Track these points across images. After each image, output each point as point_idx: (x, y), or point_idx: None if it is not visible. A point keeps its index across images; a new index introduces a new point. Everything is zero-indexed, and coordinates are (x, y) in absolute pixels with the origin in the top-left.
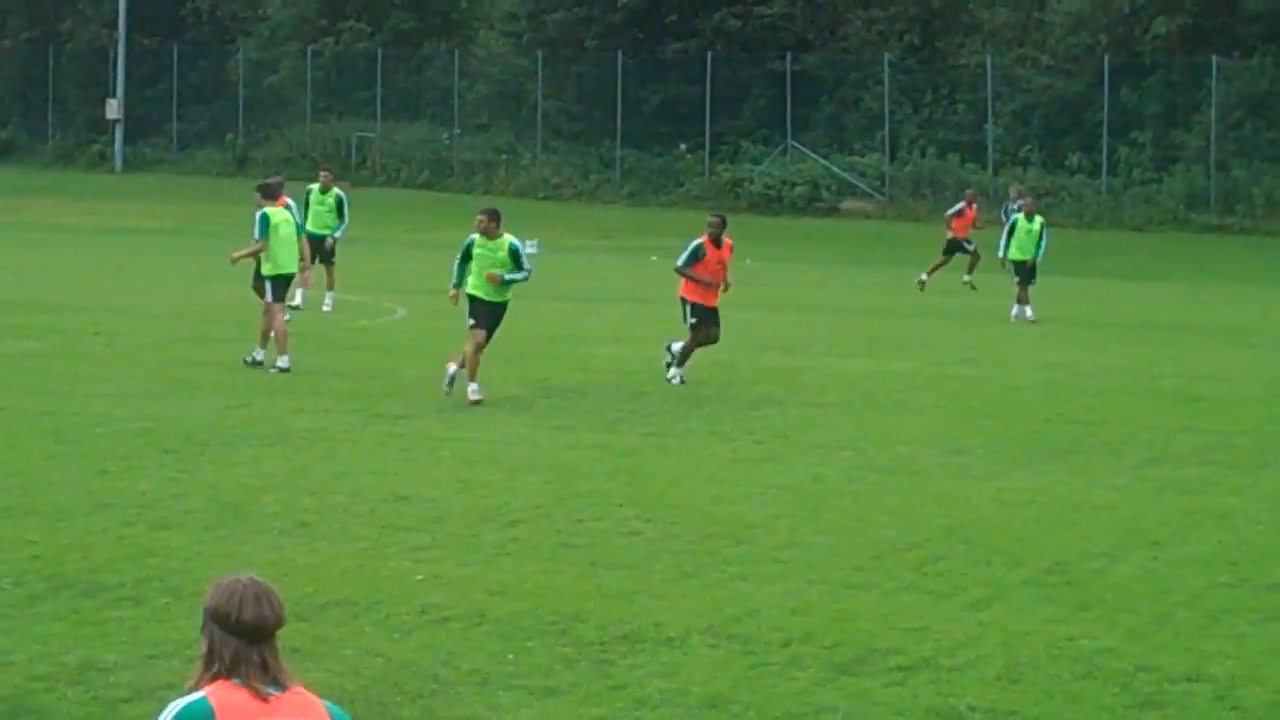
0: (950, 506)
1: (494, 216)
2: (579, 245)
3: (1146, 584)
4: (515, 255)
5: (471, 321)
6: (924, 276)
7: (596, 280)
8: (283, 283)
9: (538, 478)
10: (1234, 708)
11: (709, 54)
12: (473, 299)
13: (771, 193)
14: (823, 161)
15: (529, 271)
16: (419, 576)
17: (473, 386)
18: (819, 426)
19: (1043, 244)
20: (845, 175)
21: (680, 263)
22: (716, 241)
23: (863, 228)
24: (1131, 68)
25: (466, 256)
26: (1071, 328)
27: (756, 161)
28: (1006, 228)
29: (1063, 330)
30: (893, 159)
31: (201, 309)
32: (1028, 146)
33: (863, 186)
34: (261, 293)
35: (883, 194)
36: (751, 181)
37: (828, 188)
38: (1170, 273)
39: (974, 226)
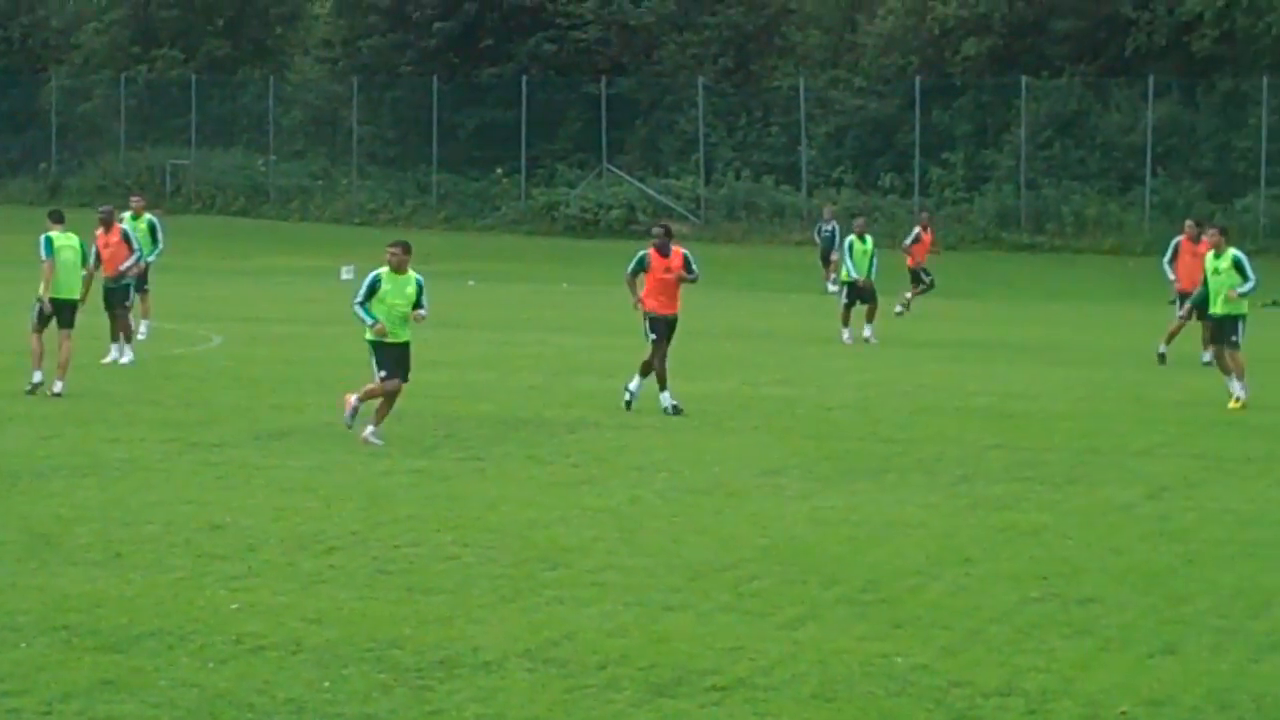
0: (766, 526)
1: (407, 250)
2: None
3: (959, 600)
4: (421, 291)
5: (383, 374)
6: (900, 307)
7: None
8: (58, 306)
9: (354, 504)
10: None
11: (524, 78)
12: (376, 345)
13: (587, 216)
14: (638, 185)
15: (427, 306)
16: (234, 605)
17: (371, 430)
18: (635, 449)
19: (874, 264)
20: (661, 198)
21: (628, 270)
22: (663, 251)
23: None
24: (942, 89)
25: (372, 292)
26: (884, 347)
27: (572, 185)
28: (845, 250)
29: (876, 349)
30: (708, 181)
31: (13, 339)
32: (841, 168)
33: (678, 209)
34: (111, 304)
35: (698, 216)
36: (567, 205)
37: (643, 210)
38: (982, 291)
39: (932, 250)
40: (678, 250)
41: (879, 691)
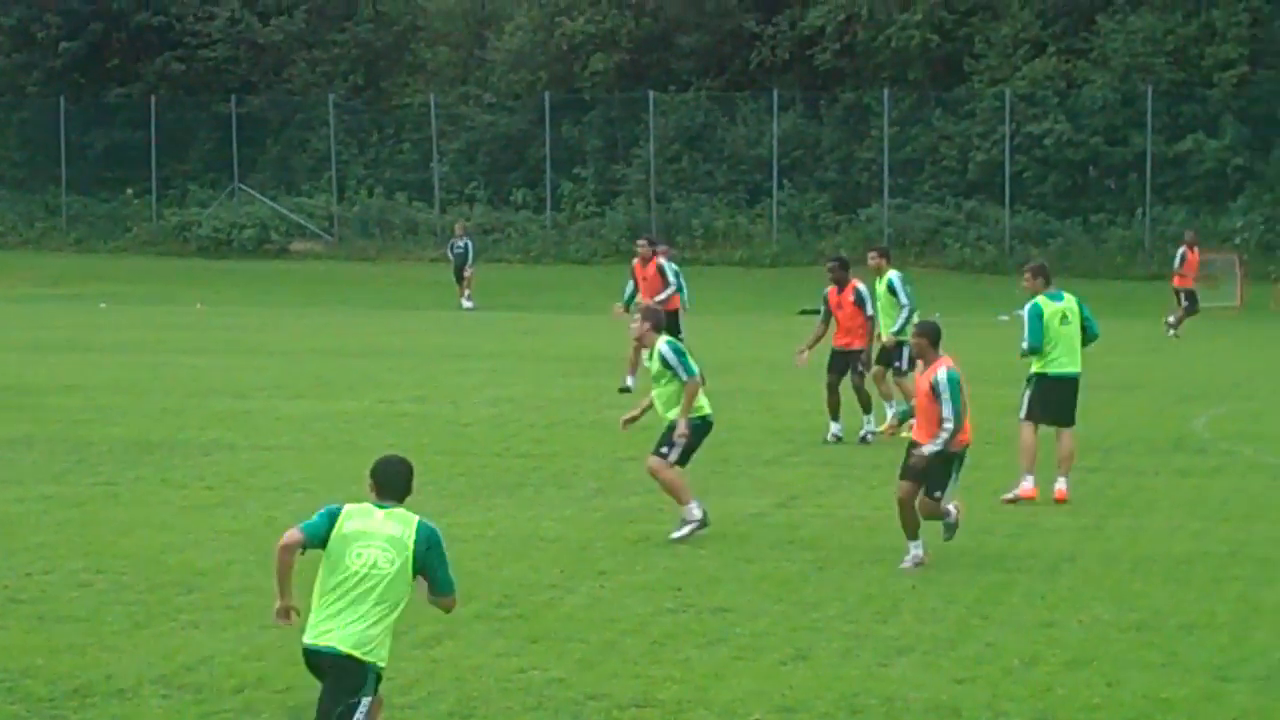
0: None
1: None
2: (26, 294)
3: (595, 613)
4: None
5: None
6: (1172, 332)
7: (44, 329)
8: None
9: None
10: None
11: (153, 98)
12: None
13: (220, 236)
14: (271, 203)
15: None
16: None
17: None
18: (271, 470)
19: (683, 286)
20: (294, 217)
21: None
22: (840, 284)
23: (313, 269)
24: (572, 104)
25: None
26: (518, 361)
27: (204, 205)
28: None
29: (510, 364)
30: (340, 199)
31: None
32: (473, 184)
33: (312, 228)
34: None
35: (332, 234)
36: (200, 225)
37: (276, 229)
38: (612, 306)
39: (1199, 275)
40: (853, 284)
41: (516, 706)
